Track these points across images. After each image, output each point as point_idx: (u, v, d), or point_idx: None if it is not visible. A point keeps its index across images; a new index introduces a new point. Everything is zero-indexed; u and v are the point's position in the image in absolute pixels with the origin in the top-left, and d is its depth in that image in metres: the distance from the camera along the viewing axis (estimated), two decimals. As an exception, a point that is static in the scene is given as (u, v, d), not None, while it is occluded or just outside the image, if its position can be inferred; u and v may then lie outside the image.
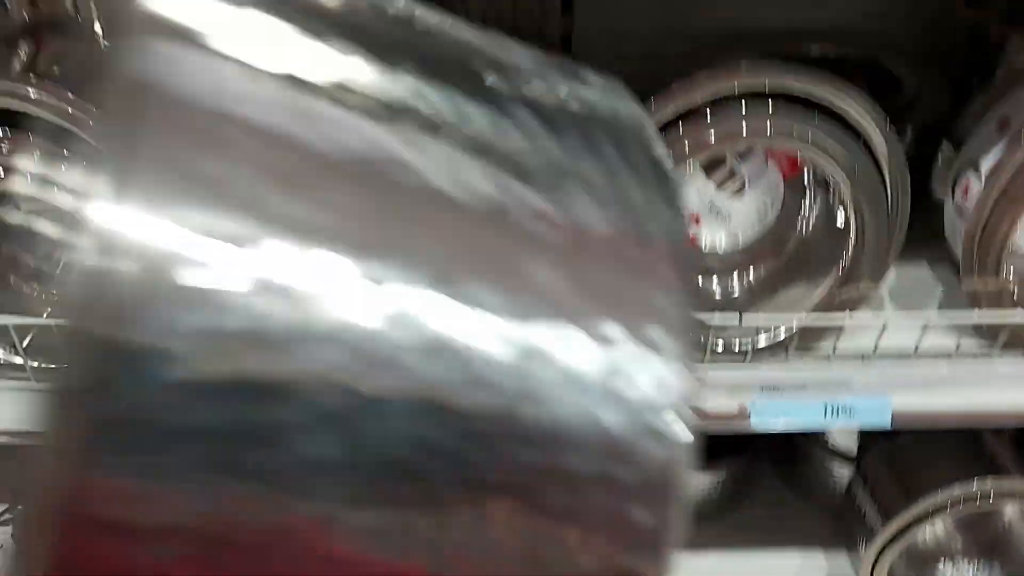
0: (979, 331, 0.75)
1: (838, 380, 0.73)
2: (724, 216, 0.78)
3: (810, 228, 0.77)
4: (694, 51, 0.88)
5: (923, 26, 0.87)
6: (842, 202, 0.71)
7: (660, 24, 0.86)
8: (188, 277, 0.23)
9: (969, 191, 0.71)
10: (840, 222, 0.73)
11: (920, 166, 0.78)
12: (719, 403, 0.72)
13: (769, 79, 0.69)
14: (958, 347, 0.74)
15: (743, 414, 0.72)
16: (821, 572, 0.99)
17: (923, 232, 0.76)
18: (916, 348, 0.74)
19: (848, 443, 1.00)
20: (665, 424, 0.28)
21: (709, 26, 0.88)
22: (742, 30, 0.89)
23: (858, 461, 0.98)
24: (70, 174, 0.72)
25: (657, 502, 0.28)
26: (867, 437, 0.97)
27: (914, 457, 0.92)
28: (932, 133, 0.79)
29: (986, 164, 0.70)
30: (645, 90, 0.72)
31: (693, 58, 0.85)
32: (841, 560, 0.98)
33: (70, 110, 0.63)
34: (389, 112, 0.28)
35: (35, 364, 0.70)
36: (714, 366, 0.73)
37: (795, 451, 1.04)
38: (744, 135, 0.69)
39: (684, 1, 0.86)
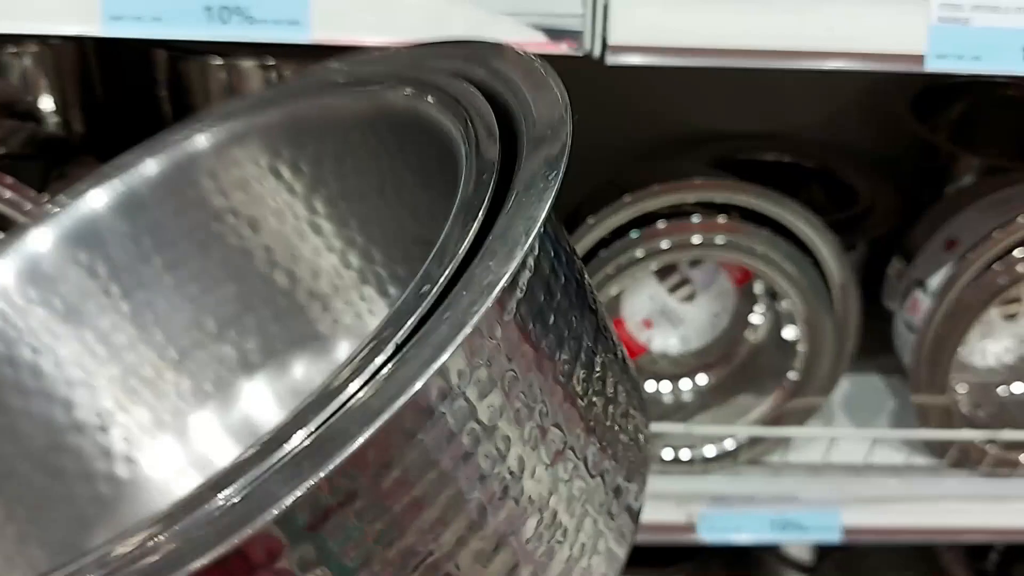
0: (929, 446, 0.74)
1: (788, 493, 0.72)
2: (676, 321, 0.78)
3: (761, 336, 0.77)
4: (651, 153, 0.89)
5: (873, 137, 0.89)
6: (792, 314, 0.72)
7: (618, 127, 0.87)
8: None
9: (917, 307, 0.72)
10: (791, 333, 0.73)
11: (872, 276, 0.79)
12: (667, 514, 0.71)
13: (722, 193, 0.69)
14: (907, 463, 0.74)
15: (691, 526, 0.71)
16: None
17: (875, 341, 0.76)
18: (865, 462, 0.73)
19: (802, 552, 0.98)
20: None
21: (666, 130, 0.90)
22: (698, 134, 0.91)
23: (813, 571, 0.97)
24: None
25: None
26: (822, 546, 0.96)
27: (870, 568, 0.91)
28: (884, 244, 0.80)
29: (934, 282, 0.71)
30: (601, 195, 0.73)
31: (650, 160, 0.86)
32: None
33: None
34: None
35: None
36: (662, 476, 0.72)
37: (748, 558, 1.02)
38: (696, 246, 0.69)
39: (642, 105, 0.87)
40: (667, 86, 0.83)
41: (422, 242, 0.36)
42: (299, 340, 0.44)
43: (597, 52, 0.56)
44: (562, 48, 0.57)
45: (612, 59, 0.56)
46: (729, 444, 0.72)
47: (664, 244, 0.69)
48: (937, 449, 0.73)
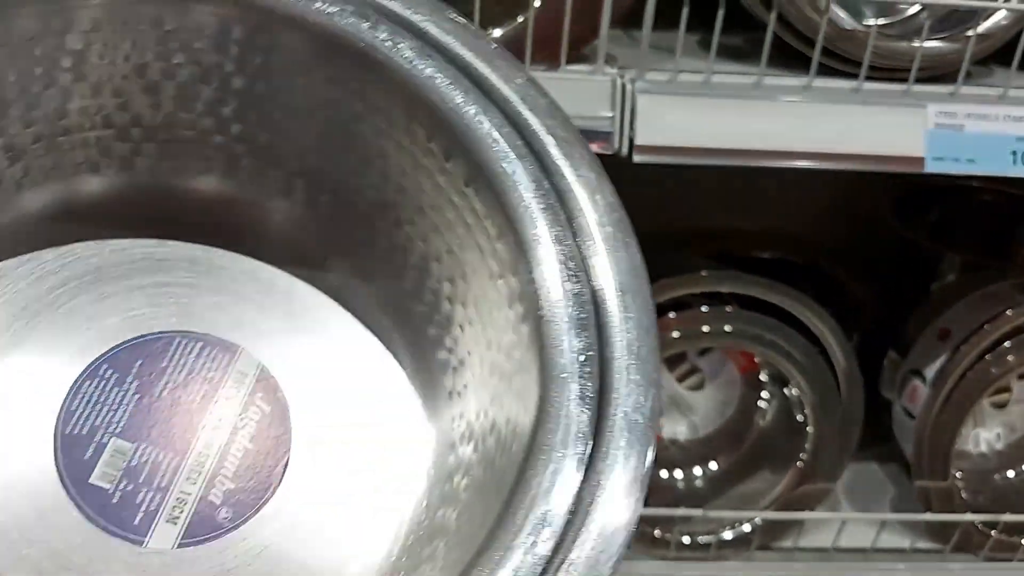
0: (933, 531, 0.77)
1: (803, 579, 0.74)
2: (685, 408, 0.80)
3: (768, 422, 0.80)
4: (649, 251, 0.93)
5: (858, 236, 0.95)
6: (800, 400, 0.75)
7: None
8: None
9: (916, 395, 0.75)
10: (799, 418, 0.76)
11: (864, 368, 0.83)
12: (685, 601, 0.72)
13: (729, 285, 0.73)
14: (913, 546, 0.76)
15: (709, 612, 0.72)
16: None
17: (870, 429, 0.79)
18: (873, 546, 0.75)
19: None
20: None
21: (662, 228, 0.94)
22: (688, 230, 0.95)
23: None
24: None
25: None
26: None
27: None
28: (875, 337, 0.84)
29: (930, 371, 0.75)
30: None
31: (648, 257, 0.90)
32: None
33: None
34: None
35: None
36: (680, 563, 0.73)
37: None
38: (706, 335, 0.73)
39: (638, 205, 0.91)
40: (656, 184, 0.87)
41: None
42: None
43: (625, 151, 0.60)
44: (593, 148, 0.61)
45: (639, 158, 0.59)
46: (745, 528, 0.74)
47: (674, 334, 0.72)
48: (941, 534, 0.76)
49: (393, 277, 0.42)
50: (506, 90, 0.37)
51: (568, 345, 0.33)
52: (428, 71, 0.36)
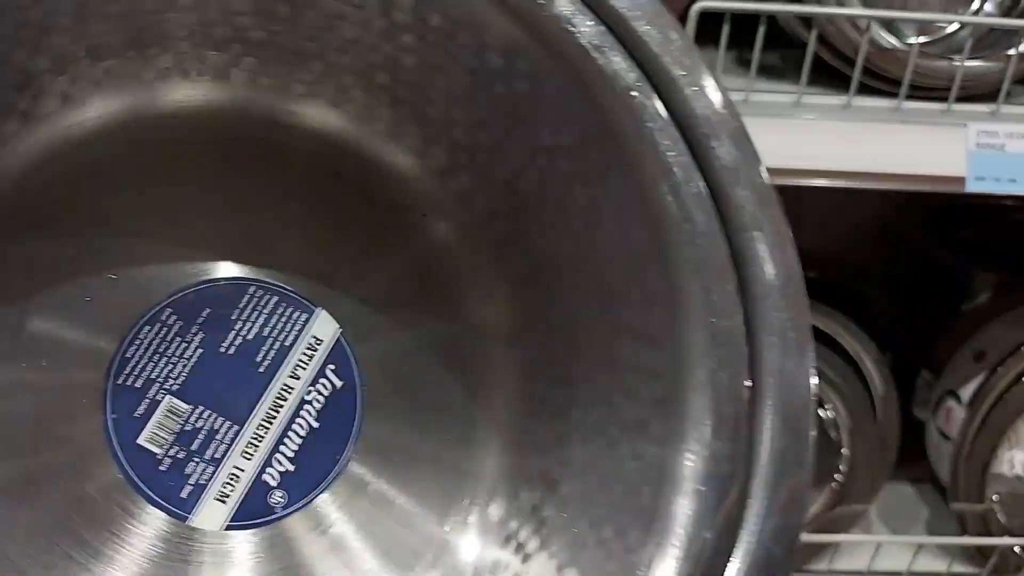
0: (969, 554, 0.76)
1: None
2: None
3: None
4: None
5: (887, 254, 0.95)
6: (835, 422, 0.75)
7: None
8: None
9: (951, 417, 0.75)
10: (834, 439, 0.76)
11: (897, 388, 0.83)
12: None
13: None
14: (949, 571, 0.75)
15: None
16: None
17: (904, 450, 0.79)
18: (909, 570, 0.74)
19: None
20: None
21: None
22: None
23: None
24: None
25: None
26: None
27: None
28: (905, 356, 0.84)
29: (966, 393, 0.75)
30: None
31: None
32: None
33: None
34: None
35: None
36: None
37: None
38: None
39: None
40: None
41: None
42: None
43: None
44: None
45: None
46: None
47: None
48: (977, 557, 0.75)
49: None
50: None
51: None
52: None
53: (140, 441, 0.38)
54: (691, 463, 0.34)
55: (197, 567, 0.37)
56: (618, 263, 0.36)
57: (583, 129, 0.35)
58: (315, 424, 0.40)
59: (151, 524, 0.37)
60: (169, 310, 0.39)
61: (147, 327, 0.39)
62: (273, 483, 0.39)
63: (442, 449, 0.41)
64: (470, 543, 0.39)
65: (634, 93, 0.33)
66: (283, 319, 0.40)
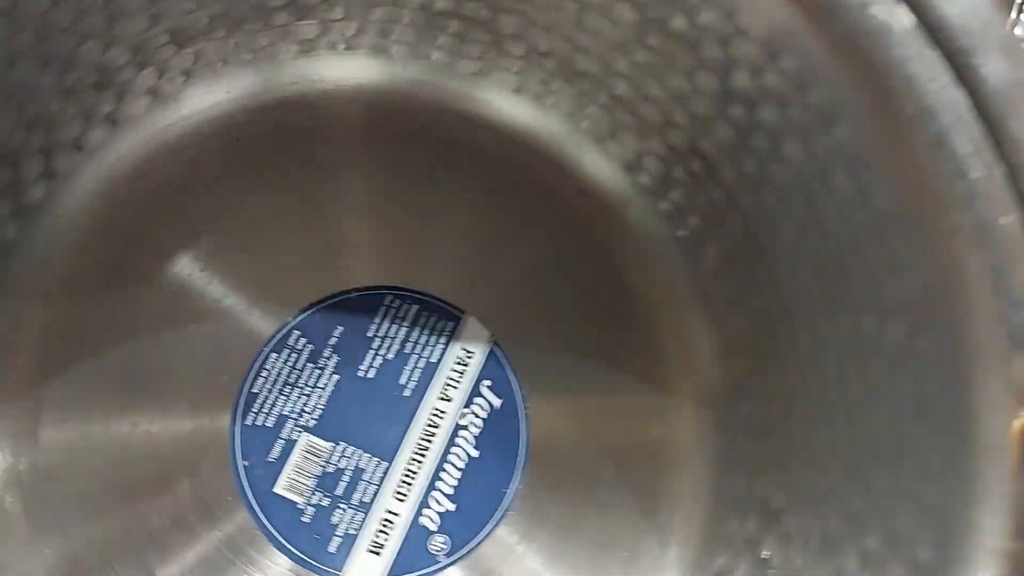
0: None
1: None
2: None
3: None
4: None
5: None
6: None
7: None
8: None
9: None
10: None
11: None
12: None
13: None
14: None
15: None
16: None
17: None
18: None
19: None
20: None
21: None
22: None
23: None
24: None
25: None
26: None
27: None
28: None
29: None
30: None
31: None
32: None
33: None
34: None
35: None
36: None
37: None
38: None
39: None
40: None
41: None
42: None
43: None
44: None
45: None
46: None
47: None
48: None
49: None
50: None
51: None
52: None
53: (277, 489, 0.32)
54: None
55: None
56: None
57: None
58: (474, 453, 0.34)
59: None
60: (297, 332, 0.34)
61: (273, 355, 0.33)
62: (432, 527, 0.33)
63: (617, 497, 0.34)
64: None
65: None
66: (426, 331, 0.34)
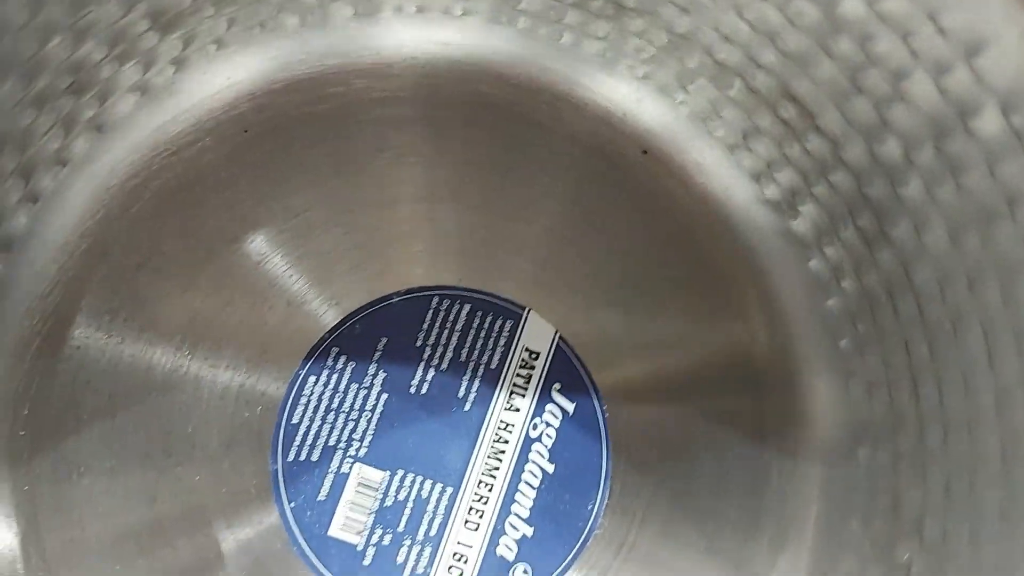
0: None
1: None
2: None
3: None
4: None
5: None
6: None
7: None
8: None
9: None
10: None
11: None
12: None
13: None
14: None
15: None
16: None
17: None
18: None
19: None
20: None
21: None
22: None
23: None
24: None
25: None
26: None
27: None
28: None
29: None
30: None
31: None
32: None
33: None
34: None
35: None
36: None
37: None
38: None
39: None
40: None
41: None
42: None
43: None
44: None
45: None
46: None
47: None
48: None
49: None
50: None
51: None
52: None
53: (333, 532, 0.28)
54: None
55: None
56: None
57: None
58: (549, 467, 0.29)
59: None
60: (335, 349, 0.29)
61: (312, 378, 0.29)
62: (510, 556, 0.29)
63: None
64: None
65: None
66: (483, 334, 0.30)
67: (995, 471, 0.23)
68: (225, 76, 0.29)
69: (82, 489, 0.27)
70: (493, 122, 0.30)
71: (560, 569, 0.29)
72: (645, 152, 0.30)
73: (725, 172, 0.30)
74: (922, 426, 0.25)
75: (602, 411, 0.30)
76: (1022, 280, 0.22)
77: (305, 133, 0.30)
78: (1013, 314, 0.22)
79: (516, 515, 0.29)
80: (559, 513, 0.29)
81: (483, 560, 0.29)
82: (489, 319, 0.30)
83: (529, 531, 0.29)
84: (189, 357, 0.28)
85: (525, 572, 0.29)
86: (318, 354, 0.29)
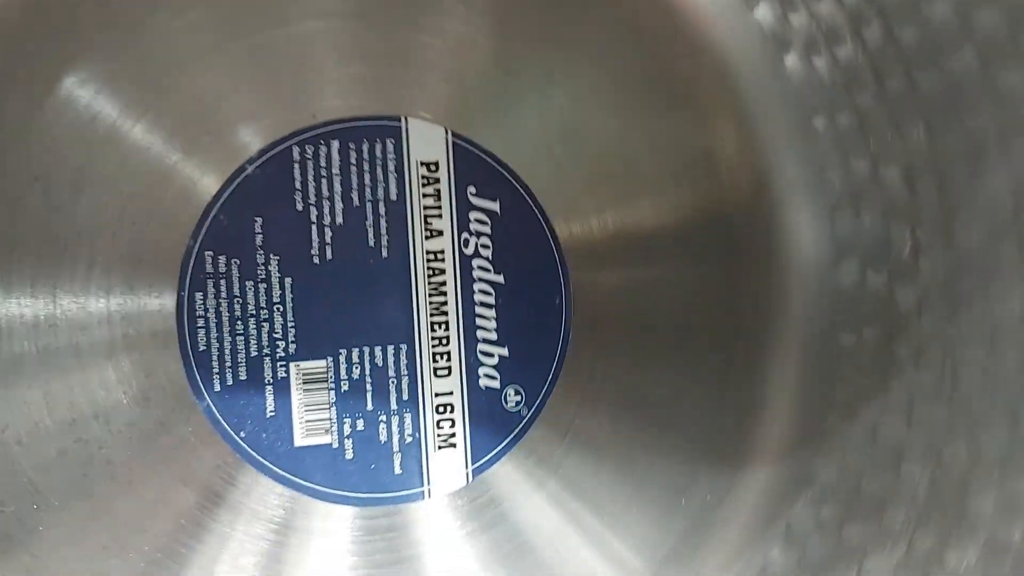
0: None
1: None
2: None
3: None
4: None
5: None
6: None
7: None
8: None
9: None
10: None
11: None
12: None
13: None
14: None
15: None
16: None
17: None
18: None
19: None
20: None
21: None
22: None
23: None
24: None
25: None
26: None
27: None
28: None
29: None
30: None
31: None
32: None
33: None
34: None
35: None
36: None
37: None
38: None
39: None
40: None
41: None
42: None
43: None
44: None
45: None
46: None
47: None
48: None
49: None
50: None
51: None
52: None
53: (299, 442, 0.25)
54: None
55: (475, 532, 0.26)
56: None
57: None
58: (498, 279, 0.26)
59: (399, 522, 0.26)
60: (209, 253, 0.24)
61: (198, 295, 0.24)
62: (495, 383, 0.26)
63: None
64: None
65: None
66: (367, 166, 0.25)
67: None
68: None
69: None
70: None
71: (549, 380, 0.26)
72: None
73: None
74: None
75: (531, 195, 0.26)
76: None
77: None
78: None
79: (484, 340, 0.26)
80: (528, 323, 0.26)
81: (469, 400, 0.26)
82: (366, 147, 0.25)
83: (504, 351, 0.26)
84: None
85: (517, 393, 0.26)
86: (193, 266, 0.24)
